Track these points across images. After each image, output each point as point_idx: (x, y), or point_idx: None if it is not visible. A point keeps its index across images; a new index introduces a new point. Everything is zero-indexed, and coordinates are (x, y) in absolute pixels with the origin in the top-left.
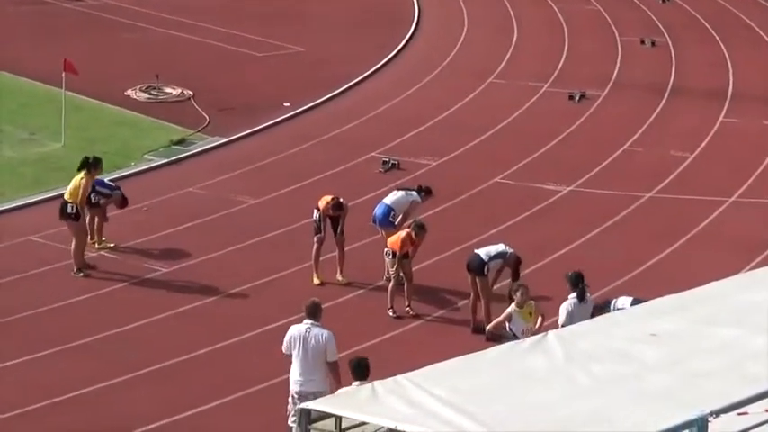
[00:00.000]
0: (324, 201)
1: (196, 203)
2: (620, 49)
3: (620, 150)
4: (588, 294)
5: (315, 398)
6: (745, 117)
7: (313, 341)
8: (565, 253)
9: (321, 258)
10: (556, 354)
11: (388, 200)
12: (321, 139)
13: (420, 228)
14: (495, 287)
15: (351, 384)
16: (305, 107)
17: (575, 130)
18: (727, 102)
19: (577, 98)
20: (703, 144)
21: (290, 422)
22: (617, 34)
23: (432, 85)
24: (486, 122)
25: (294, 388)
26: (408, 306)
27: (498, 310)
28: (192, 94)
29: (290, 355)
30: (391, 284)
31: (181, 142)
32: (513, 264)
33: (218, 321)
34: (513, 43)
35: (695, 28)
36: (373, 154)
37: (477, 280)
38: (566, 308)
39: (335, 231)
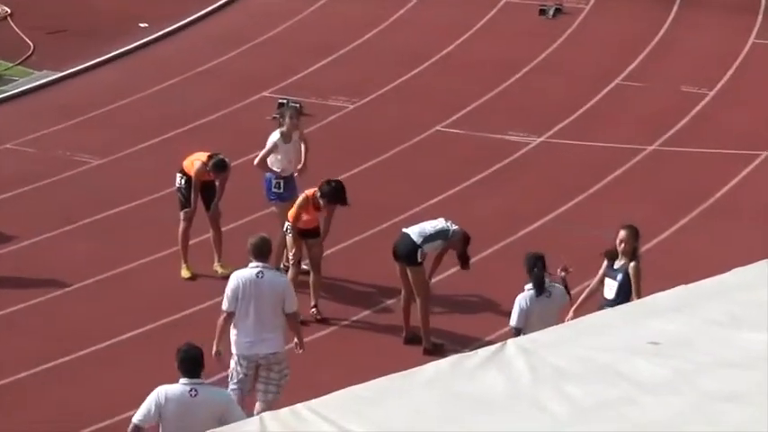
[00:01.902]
0: (195, 161)
1: (17, 165)
2: None
3: (612, 85)
4: (552, 284)
5: (268, 362)
6: None
7: (267, 289)
8: (535, 228)
9: (191, 242)
10: (518, 371)
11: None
12: (192, 74)
13: (332, 195)
14: (433, 280)
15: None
16: (169, 29)
17: (548, 56)
18: (760, 16)
19: (551, 12)
20: (727, 76)
21: (230, 388)
22: None
23: None
24: (422, 48)
25: (240, 351)
26: (315, 307)
27: (439, 318)
28: (8, 11)
29: (232, 312)
30: (290, 274)
31: None
32: (459, 245)
33: (49, 330)
34: None
35: None
36: (265, 93)
37: (409, 271)
38: (518, 304)
39: (209, 203)
